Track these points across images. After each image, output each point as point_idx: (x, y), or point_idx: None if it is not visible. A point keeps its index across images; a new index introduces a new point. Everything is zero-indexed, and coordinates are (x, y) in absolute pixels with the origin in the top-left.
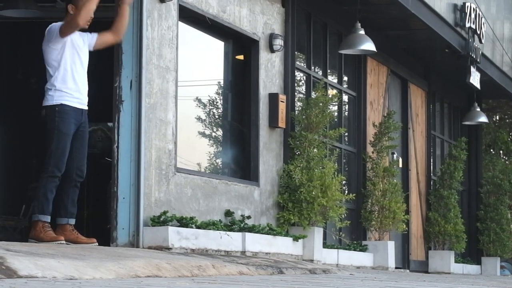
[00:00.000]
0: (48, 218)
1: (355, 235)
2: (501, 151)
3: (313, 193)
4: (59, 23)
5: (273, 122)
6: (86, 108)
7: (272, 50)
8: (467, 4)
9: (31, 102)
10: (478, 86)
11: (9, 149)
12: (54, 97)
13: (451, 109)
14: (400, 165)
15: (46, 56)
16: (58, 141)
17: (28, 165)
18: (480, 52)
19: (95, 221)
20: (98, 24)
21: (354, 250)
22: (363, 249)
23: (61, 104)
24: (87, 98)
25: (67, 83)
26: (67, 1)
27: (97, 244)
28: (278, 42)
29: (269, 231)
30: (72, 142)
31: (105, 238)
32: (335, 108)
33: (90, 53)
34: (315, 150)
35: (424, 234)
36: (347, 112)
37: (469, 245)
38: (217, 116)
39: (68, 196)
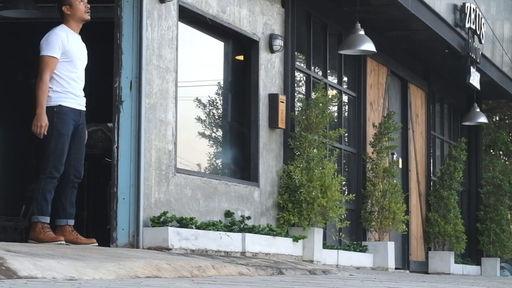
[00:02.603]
0: (47, 219)
1: (355, 236)
2: (500, 152)
3: (313, 193)
4: (48, 41)
5: (273, 123)
6: (84, 109)
7: (272, 51)
8: (467, 4)
9: (31, 103)
10: (478, 86)
11: (9, 150)
12: (52, 98)
13: (451, 109)
14: (400, 166)
15: None
16: (57, 142)
17: (28, 166)
18: (480, 53)
19: (95, 221)
20: (98, 25)
21: (354, 250)
22: (363, 249)
23: (60, 105)
24: (85, 99)
25: (65, 85)
26: (59, 2)
27: (96, 244)
28: (278, 43)
29: (269, 231)
30: (70, 143)
31: (105, 238)
32: (335, 108)
33: (90, 53)
34: (315, 150)
35: (424, 234)
36: (347, 113)
37: (469, 246)
38: (217, 117)
39: (67, 197)
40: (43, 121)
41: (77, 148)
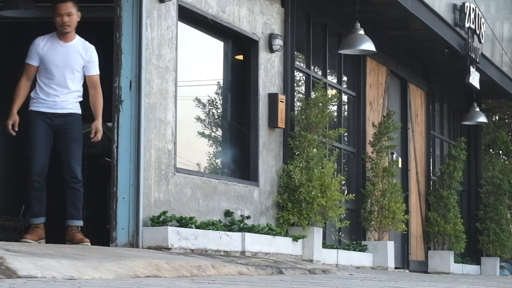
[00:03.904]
0: (33, 220)
1: (354, 235)
2: (500, 151)
3: (313, 193)
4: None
5: (272, 122)
6: (63, 111)
7: (271, 50)
8: (467, 4)
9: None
10: (478, 86)
11: (9, 149)
12: (29, 105)
13: (450, 109)
14: (400, 165)
15: None
16: (28, 145)
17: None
18: (480, 52)
19: (95, 221)
20: (99, 24)
21: (354, 250)
22: (363, 249)
23: (30, 110)
24: (67, 103)
25: (38, 90)
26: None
27: (89, 243)
28: (278, 42)
29: (269, 231)
30: (58, 147)
31: (105, 238)
32: (335, 108)
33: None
34: (314, 150)
35: (423, 234)
36: (346, 112)
37: (468, 245)
38: (216, 116)
39: (66, 199)
40: (10, 119)
41: (64, 149)
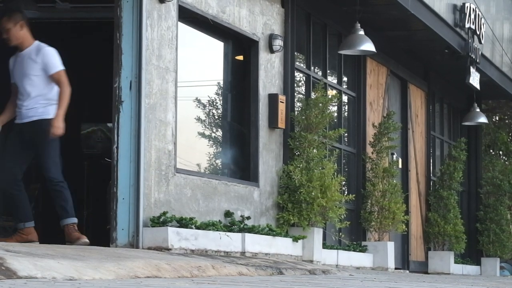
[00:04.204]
0: (18, 225)
1: (354, 236)
2: (500, 152)
3: (313, 193)
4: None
5: (272, 123)
6: (28, 119)
7: (271, 51)
8: (467, 4)
9: None
10: (478, 86)
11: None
12: None
13: (450, 109)
14: (400, 166)
15: None
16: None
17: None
18: (480, 53)
19: (95, 221)
20: (99, 24)
21: (354, 250)
22: (363, 249)
23: None
24: (33, 110)
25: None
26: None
27: (86, 240)
28: (278, 43)
29: (269, 231)
30: (36, 153)
31: (105, 238)
32: (335, 108)
33: (91, 54)
34: (314, 150)
35: (423, 234)
36: (346, 113)
37: (468, 246)
38: (216, 117)
39: (54, 201)
40: None
41: (39, 155)
